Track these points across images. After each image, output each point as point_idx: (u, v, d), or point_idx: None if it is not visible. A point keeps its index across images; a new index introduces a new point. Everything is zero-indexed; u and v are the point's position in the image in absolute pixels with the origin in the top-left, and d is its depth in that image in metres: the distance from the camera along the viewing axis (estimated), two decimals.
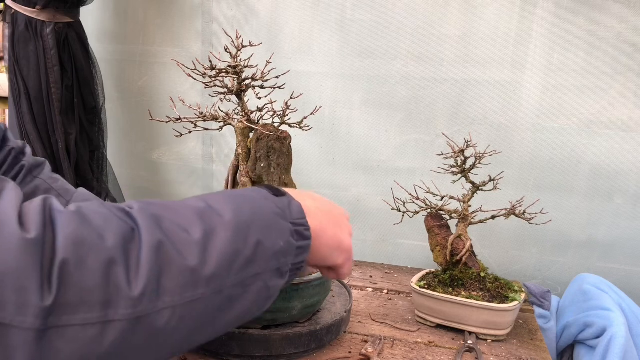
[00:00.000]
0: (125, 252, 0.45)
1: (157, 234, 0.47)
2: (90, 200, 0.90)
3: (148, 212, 0.48)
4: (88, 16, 1.68)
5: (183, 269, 0.47)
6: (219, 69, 0.99)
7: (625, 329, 1.16)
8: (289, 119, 1.06)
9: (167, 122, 1.02)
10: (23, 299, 0.40)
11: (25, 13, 1.47)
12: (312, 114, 1.07)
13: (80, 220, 0.44)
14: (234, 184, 1.05)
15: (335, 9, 1.52)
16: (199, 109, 1.03)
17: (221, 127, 1.05)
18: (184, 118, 1.02)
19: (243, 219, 0.53)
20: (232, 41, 1.00)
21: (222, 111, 1.05)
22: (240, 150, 1.04)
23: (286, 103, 1.04)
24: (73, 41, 1.55)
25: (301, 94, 1.05)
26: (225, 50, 1.00)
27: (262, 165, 1.04)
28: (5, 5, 1.50)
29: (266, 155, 1.04)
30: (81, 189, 0.92)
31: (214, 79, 1.00)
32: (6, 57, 1.54)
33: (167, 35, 1.70)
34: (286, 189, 0.64)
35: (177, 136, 1.04)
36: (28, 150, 0.91)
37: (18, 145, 0.89)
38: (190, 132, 1.04)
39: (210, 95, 1.05)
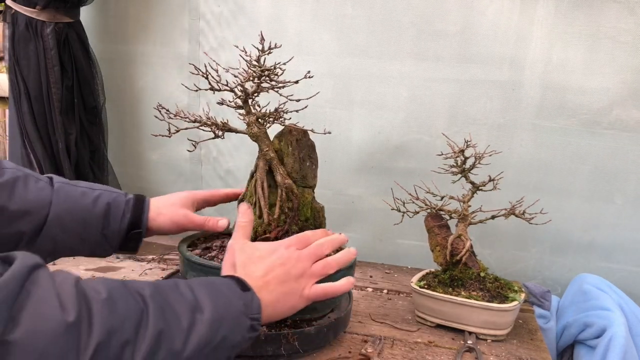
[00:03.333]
0: (137, 333, 0.59)
1: (160, 323, 0.61)
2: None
3: (158, 301, 0.64)
4: (88, 16, 1.68)
5: (171, 351, 0.62)
6: (259, 71, 0.97)
7: (625, 329, 1.16)
8: (293, 120, 1.05)
9: (170, 136, 1.02)
10: None
11: (25, 13, 1.47)
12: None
13: (110, 308, 0.57)
14: (275, 187, 1.03)
15: (333, 6, 1.51)
16: (207, 116, 1.02)
17: (222, 134, 1.04)
18: (188, 127, 1.01)
19: (217, 316, 0.68)
20: (260, 42, 0.97)
21: (212, 118, 1.03)
22: (272, 154, 1.02)
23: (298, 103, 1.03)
24: (73, 41, 1.55)
25: (318, 92, 1.04)
26: (246, 54, 0.98)
27: (308, 164, 1.05)
28: (6, 5, 1.51)
29: (308, 154, 1.05)
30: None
31: (238, 84, 0.99)
32: (6, 57, 1.54)
33: (153, 33, 1.68)
34: (246, 274, 0.79)
35: (190, 150, 1.04)
36: None
37: None
38: (195, 144, 1.04)
39: (218, 103, 1.04)
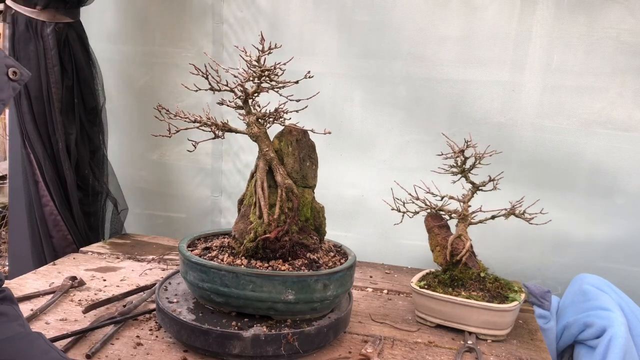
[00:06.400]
0: None
1: None
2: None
3: None
4: (91, 16, 1.68)
5: None
6: (260, 71, 0.98)
7: (625, 329, 1.15)
8: (292, 119, 1.05)
9: (170, 137, 1.01)
10: None
11: (25, 13, 1.47)
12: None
13: None
14: (275, 187, 1.03)
15: (337, 10, 1.52)
16: (208, 116, 1.02)
17: (222, 134, 1.04)
18: (188, 127, 1.01)
19: None
20: (260, 43, 0.97)
21: (212, 118, 1.03)
22: (272, 154, 1.02)
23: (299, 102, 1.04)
24: (73, 41, 1.55)
25: (318, 92, 1.05)
26: (245, 54, 0.98)
27: (308, 164, 1.06)
28: (6, 5, 1.50)
29: (308, 154, 1.06)
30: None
31: (238, 85, 0.99)
32: None
33: (178, 36, 1.71)
34: None
35: (190, 150, 1.04)
36: None
37: None
38: (195, 145, 1.04)
39: (218, 103, 1.04)
